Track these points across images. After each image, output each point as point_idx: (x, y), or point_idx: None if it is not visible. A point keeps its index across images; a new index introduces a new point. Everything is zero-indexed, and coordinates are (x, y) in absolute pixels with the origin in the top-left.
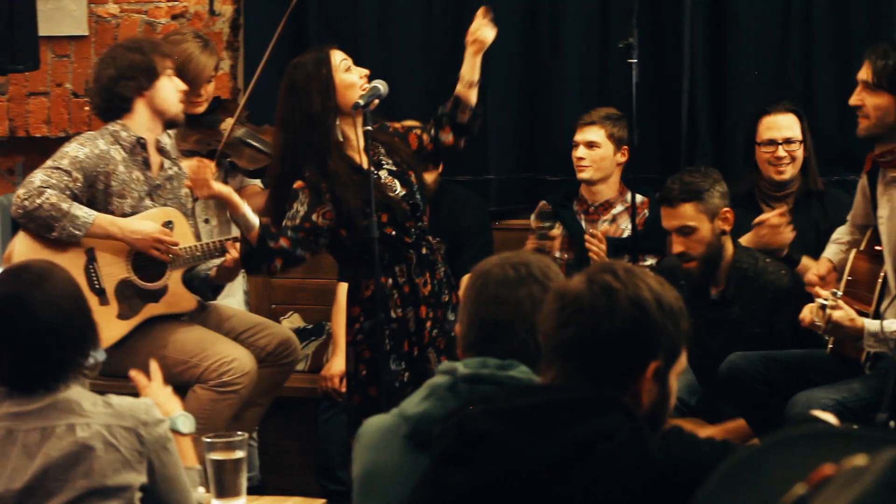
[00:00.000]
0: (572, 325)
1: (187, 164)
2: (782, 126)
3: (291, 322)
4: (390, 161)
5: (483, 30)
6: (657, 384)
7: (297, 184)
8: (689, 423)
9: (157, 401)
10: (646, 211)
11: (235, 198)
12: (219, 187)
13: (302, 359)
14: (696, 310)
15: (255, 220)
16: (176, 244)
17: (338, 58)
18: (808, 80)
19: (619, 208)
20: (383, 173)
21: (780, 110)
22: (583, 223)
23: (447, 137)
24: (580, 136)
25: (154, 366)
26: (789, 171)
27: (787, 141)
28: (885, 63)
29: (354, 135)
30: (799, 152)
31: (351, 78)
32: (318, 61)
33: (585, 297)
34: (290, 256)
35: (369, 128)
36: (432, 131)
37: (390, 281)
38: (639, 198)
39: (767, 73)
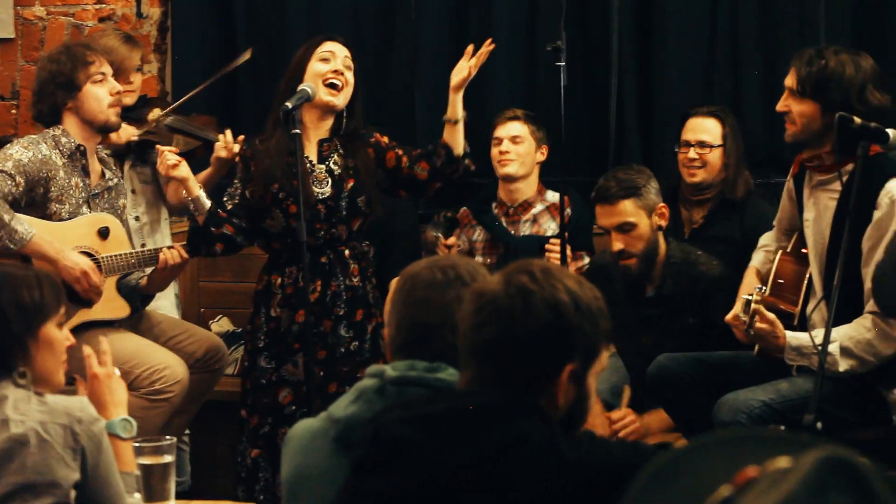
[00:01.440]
0: (488, 326)
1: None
2: (699, 129)
3: (220, 326)
4: (340, 162)
5: (458, 67)
6: (574, 385)
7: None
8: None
9: (106, 401)
10: (569, 210)
11: (192, 183)
12: (184, 172)
13: (231, 363)
14: (632, 308)
15: (206, 203)
16: (99, 292)
17: (325, 48)
18: (735, 83)
19: (539, 207)
20: (321, 167)
21: (703, 113)
22: (504, 225)
23: (420, 172)
24: (503, 131)
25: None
26: (700, 175)
27: (701, 144)
28: (809, 70)
29: (315, 126)
30: (712, 156)
31: (318, 68)
32: (309, 45)
33: (502, 299)
34: (231, 243)
35: (297, 131)
36: (412, 160)
37: (279, 280)
38: (557, 196)
39: (695, 76)
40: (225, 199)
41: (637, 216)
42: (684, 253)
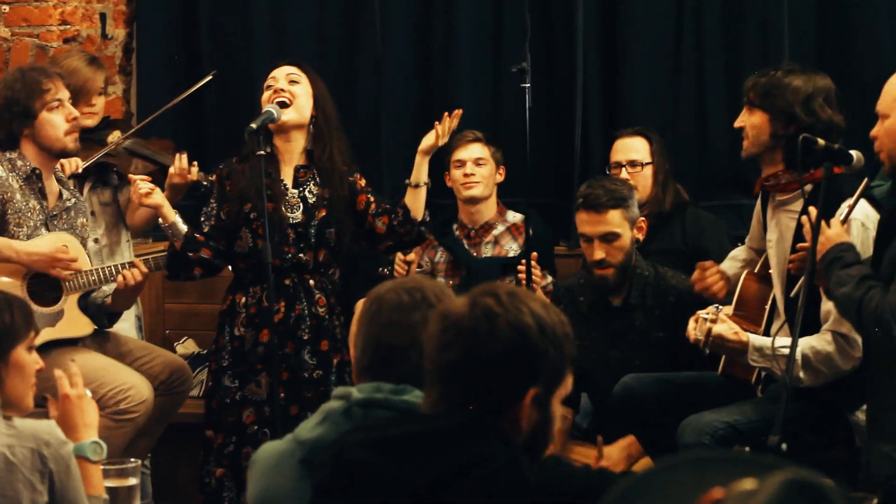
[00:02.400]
0: (453, 348)
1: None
2: (628, 149)
3: (186, 348)
4: (315, 191)
5: (429, 134)
6: (537, 409)
7: (213, 176)
8: (581, 446)
9: (77, 423)
10: (530, 229)
11: (167, 209)
12: (157, 199)
13: (196, 385)
14: (599, 321)
15: (183, 229)
16: (75, 260)
17: (270, 77)
18: (700, 105)
19: (500, 229)
20: (294, 192)
21: (629, 133)
22: (465, 247)
23: (380, 226)
24: (466, 154)
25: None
26: (635, 194)
27: (632, 163)
28: (757, 80)
29: (287, 150)
30: (644, 174)
31: (265, 97)
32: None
33: (467, 321)
34: (209, 266)
35: (262, 152)
36: (377, 211)
37: (243, 299)
38: (518, 216)
39: (660, 99)
40: (202, 219)
41: (622, 227)
42: (654, 267)
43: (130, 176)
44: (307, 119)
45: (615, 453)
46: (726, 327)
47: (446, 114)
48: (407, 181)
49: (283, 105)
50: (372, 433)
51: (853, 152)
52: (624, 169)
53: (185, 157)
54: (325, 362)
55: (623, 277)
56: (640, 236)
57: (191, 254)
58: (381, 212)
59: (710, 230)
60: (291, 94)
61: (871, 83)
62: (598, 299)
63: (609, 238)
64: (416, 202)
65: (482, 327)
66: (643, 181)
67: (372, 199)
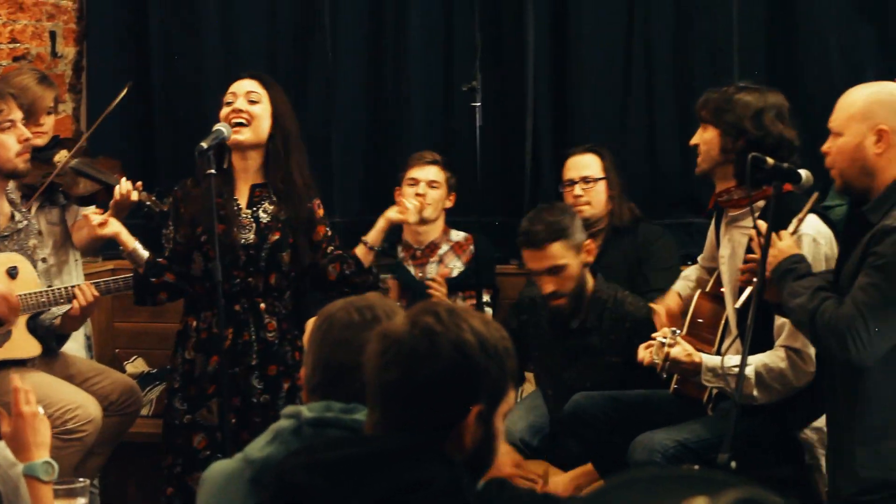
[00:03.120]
0: (393, 368)
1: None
2: (580, 165)
3: (136, 366)
4: (270, 211)
5: (402, 209)
6: (481, 427)
7: (170, 198)
8: (533, 464)
9: (29, 442)
10: (471, 247)
11: (125, 236)
12: (114, 228)
13: (146, 404)
14: (555, 340)
15: (144, 255)
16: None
17: (230, 90)
18: (650, 123)
19: (444, 248)
20: (248, 213)
21: (581, 151)
22: (411, 269)
23: (331, 272)
24: (421, 174)
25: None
26: (588, 210)
27: (584, 179)
28: (709, 97)
29: (243, 168)
30: (597, 190)
31: (223, 112)
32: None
33: (406, 340)
34: (173, 290)
35: (212, 171)
36: (331, 257)
37: (195, 323)
38: (461, 235)
39: (610, 118)
40: (163, 242)
41: (566, 257)
42: (612, 290)
43: (82, 211)
44: (264, 138)
45: (563, 481)
46: (680, 349)
47: (421, 202)
48: (364, 238)
49: (239, 124)
50: (315, 455)
51: (802, 171)
52: (577, 185)
53: (128, 183)
54: (273, 387)
55: (578, 302)
56: (590, 259)
57: (154, 279)
58: (334, 258)
59: (659, 243)
60: (250, 114)
61: (820, 103)
62: (556, 320)
63: (555, 271)
64: (366, 259)
65: (422, 347)
66: (597, 197)
67: (329, 234)
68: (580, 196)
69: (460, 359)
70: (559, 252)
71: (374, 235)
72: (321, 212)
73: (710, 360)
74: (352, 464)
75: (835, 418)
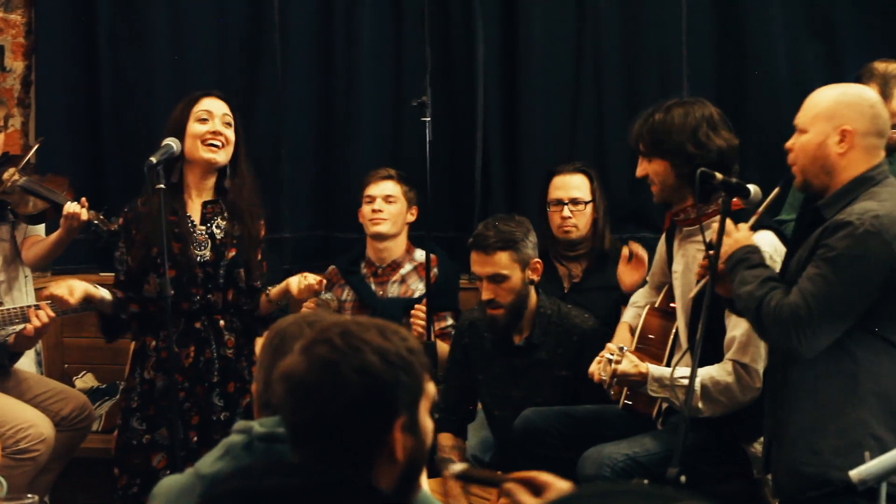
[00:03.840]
0: (304, 409)
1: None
2: (570, 186)
3: (85, 382)
4: (223, 226)
5: (310, 282)
6: (410, 434)
7: (121, 220)
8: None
9: None
10: (435, 269)
11: (93, 291)
12: (81, 291)
13: (96, 419)
14: (500, 359)
15: (108, 297)
16: None
17: (202, 106)
18: (599, 139)
19: (407, 268)
20: (202, 229)
21: (570, 170)
22: (372, 286)
23: (251, 303)
24: (377, 190)
25: None
26: (575, 232)
27: (574, 201)
28: (641, 131)
29: (197, 185)
30: (586, 212)
31: (196, 129)
32: (186, 103)
33: (308, 378)
34: (141, 317)
35: (162, 186)
36: (258, 284)
37: (153, 342)
38: (425, 255)
39: (560, 133)
40: (116, 266)
41: (511, 269)
42: (557, 305)
43: (42, 293)
44: (229, 160)
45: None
46: (628, 363)
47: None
48: (268, 290)
49: (213, 146)
50: (245, 482)
51: (751, 186)
52: (566, 207)
53: (74, 204)
54: (232, 403)
55: (515, 318)
56: (535, 277)
57: (122, 316)
58: (257, 290)
59: None
60: (226, 138)
61: (768, 117)
62: (501, 337)
63: (497, 279)
64: (264, 308)
65: (326, 381)
66: (584, 219)
67: (259, 259)
68: (568, 218)
69: (368, 382)
70: (504, 261)
71: (276, 292)
72: (263, 232)
73: (656, 370)
74: (280, 496)
75: (774, 416)
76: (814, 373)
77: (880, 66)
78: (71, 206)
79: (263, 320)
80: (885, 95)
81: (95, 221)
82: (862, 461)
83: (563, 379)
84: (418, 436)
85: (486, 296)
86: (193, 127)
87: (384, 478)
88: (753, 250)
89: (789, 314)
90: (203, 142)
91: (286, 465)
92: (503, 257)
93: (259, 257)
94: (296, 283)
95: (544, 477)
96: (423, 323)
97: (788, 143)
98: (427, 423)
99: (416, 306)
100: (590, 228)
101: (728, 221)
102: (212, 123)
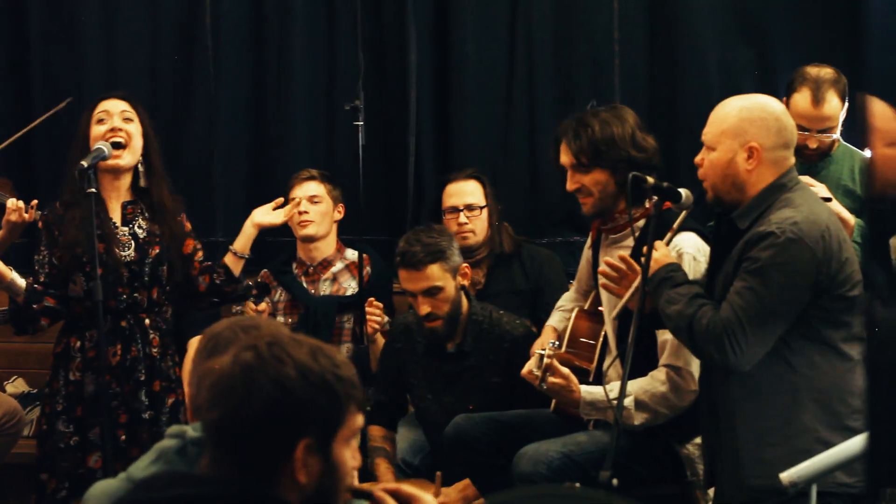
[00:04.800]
0: (216, 407)
1: None
2: (464, 192)
3: (16, 387)
4: (145, 226)
5: (266, 210)
6: (318, 459)
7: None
8: (414, 483)
9: None
10: (368, 267)
11: (4, 270)
12: None
13: (27, 424)
14: (433, 365)
15: (21, 283)
16: None
17: (100, 109)
18: (531, 143)
19: (338, 266)
20: (125, 230)
21: (462, 177)
22: (304, 284)
23: (201, 283)
24: (301, 192)
25: None
26: (472, 238)
27: (469, 207)
28: (580, 143)
29: (114, 188)
30: (482, 217)
31: (97, 131)
32: (88, 109)
33: (226, 379)
34: (54, 314)
35: (93, 190)
36: (202, 268)
37: (78, 343)
38: (356, 254)
39: (492, 137)
40: (36, 268)
41: (443, 279)
42: (488, 311)
43: None
44: (139, 158)
45: (453, 493)
46: (561, 381)
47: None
48: (231, 247)
49: (118, 146)
50: (151, 493)
51: (682, 190)
52: (462, 213)
53: (20, 201)
54: (157, 402)
55: (453, 326)
56: (466, 282)
57: (35, 305)
58: (204, 269)
59: (548, 266)
60: (127, 133)
61: (700, 121)
62: (433, 344)
63: (432, 292)
64: (235, 267)
65: (240, 385)
66: (481, 225)
67: (199, 247)
68: (465, 224)
69: (279, 395)
70: (436, 273)
71: (241, 242)
72: (188, 225)
73: (588, 394)
74: None
75: (716, 427)
76: (753, 385)
77: (812, 70)
78: (13, 204)
79: (238, 290)
80: (818, 100)
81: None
82: None
83: (495, 385)
84: (330, 464)
85: (424, 310)
86: (94, 130)
87: (291, 496)
88: (675, 268)
89: (722, 329)
90: (107, 141)
91: (190, 476)
92: (435, 270)
93: (193, 245)
94: (251, 220)
95: (410, 490)
96: (378, 318)
97: (697, 159)
98: (345, 456)
99: (371, 300)
100: (487, 233)
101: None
102: (110, 121)
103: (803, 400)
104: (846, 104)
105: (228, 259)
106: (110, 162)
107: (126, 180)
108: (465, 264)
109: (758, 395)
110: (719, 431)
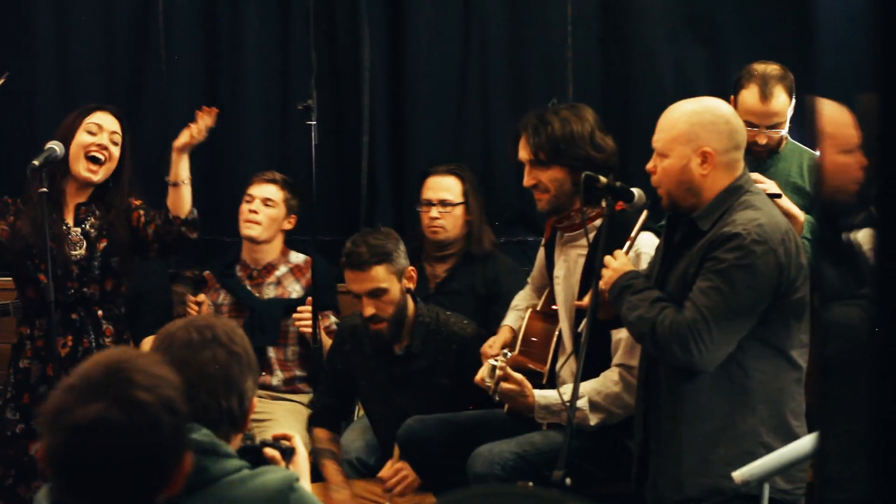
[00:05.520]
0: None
1: None
2: (441, 187)
3: None
4: (95, 224)
5: (185, 132)
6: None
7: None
8: (368, 484)
9: None
10: (309, 271)
11: None
12: None
13: None
14: (382, 368)
15: None
16: None
17: (93, 119)
18: (485, 142)
19: (282, 269)
20: (77, 231)
21: (443, 172)
22: (248, 288)
23: (149, 232)
24: (257, 191)
25: None
26: (443, 233)
27: (442, 202)
28: (539, 140)
29: (73, 193)
30: (454, 214)
31: (83, 139)
32: (80, 112)
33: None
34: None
35: (45, 189)
36: (147, 220)
37: (28, 330)
38: (301, 257)
39: (445, 136)
40: None
41: (389, 281)
42: (434, 313)
43: None
44: (109, 174)
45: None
46: (514, 386)
47: (203, 110)
48: (166, 178)
49: (95, 161)
50: None
51: (635, 190)
52: (434, 208)
53: None
54: None
55: (398, 329)
56: (411, 285)
57: None
58: (150, 219)
59: (509, 277)
60: (110, 154)
61: (653, 120)
62: (380, 346)
63: (377, 293)
64: (179, 200)
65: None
66: (453, 221)
67: (142, 211)
68: (436, 219)
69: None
70: (382, 275)
71: (172, 171)
72: (138, 202)
73: (543, 399)
74: None
75: (658, 427)
76: (705, 385)
77: (759, 67)
78: None
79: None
80: (766, 95)
81: None
82: None
83: (445, 386)
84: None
85: (368, 312)
86: (81, 136)
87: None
88: (635, 276)
89: (687, 329)
90: (86, 153)
91: None
92: (380, 271)
93: (137, 215)
94: (180, 139)
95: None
96: (308, 323)
97: (649, 166)
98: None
99: (300, 308)
100: (462, 231)
101: (607, 258)
102: (100, 136)
103: (752, 403)
104: (794, 100)
105: (169, 196)
106: (84, 174)
107: (90, 189)
108: (412, 268)
109: (706, 395)
110: (660, 429)
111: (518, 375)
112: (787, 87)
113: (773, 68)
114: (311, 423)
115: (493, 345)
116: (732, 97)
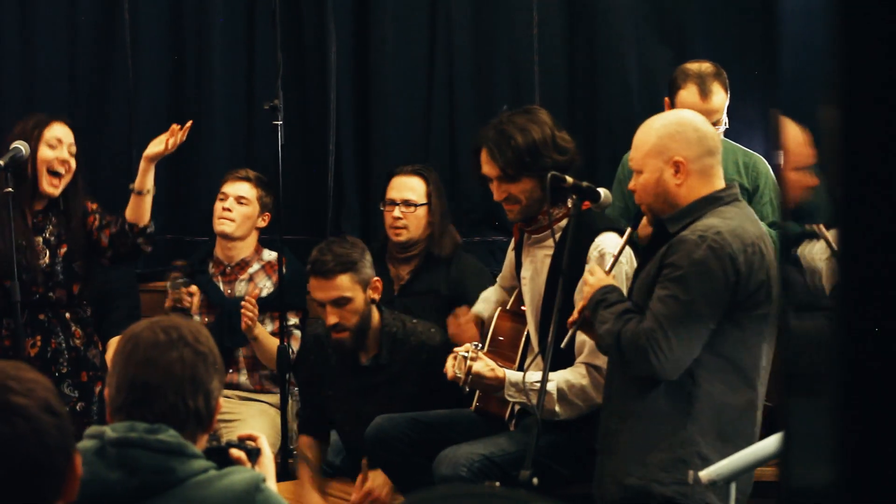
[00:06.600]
0: None
1: None
2: (404, 187)
3: None
4: (53, 231)
5: (158, 139)
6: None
7: None
8: (337, 483)
9: None
10: (284, 268)
11: None
12: None
13: None
14: (347, 377)
15: None
16: None
17: (52, 133)
18: (451, 142)
19: (255, 267)
20: (38, 239)
21: (408, 172)
22: (220, 285)
23: (104, 239)
24: (231, 189)
25: None
26: (405, 234)
27: (406, 202)
28: (505, 156)
29: (27, 205)
30: (417, 214)
31: (45, 154)
32: (36, 123)
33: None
34: None
35: (10, 189)
36: (101, 225)
37: None
38: (273, 254)
39: (412, 137)
40: None
41: (353, 291)
42: (401, 321)
43: None
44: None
45: (379, 478)
46: (483, 364)
47: (176, 126)
48: (130, 186)
49: (56, 175)
50: None
51: (601, 190)
52: (398, 207)
53: None
54: (87, 393)
55: (360, 339)
56: (376, 296)
57: None
58: (105, 224)
59: (473, 278)
60: (70, 167)
61: (621, 124)
62: (345, 356)
63: (340, 302)
64: (140, 209)
65: None
66: (416, 221)
67: (98, 216)
68: (399, 219)
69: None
70: (346, 284)
71: (139, 180)
72: (94, 205)
73: (512, 375)
74: None
75: (607, 427)
76: (652, 389)
77: (693, 66)
78: None
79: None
80: (705, 93)
81: None
82: (685, 478)
83: (413, 395)
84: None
85: (331, 320)
86: (44, 151)
87: None
88: (610, 290)
89: (645, 340)
90: (49, 169)
91: None
92: (344, 280)
93: (92, 218)
94: (150, 149)
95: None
96: (251, 315)
97: (631, 186)
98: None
99: (247, 298)
100: (424, 231)
101: (586, 270)
102: (60, 150)
103: (697, 413)
104: (729, 95)
105: (130, 204)
106: (48, 189)
107: (46, 199)
108: (377, 278)
109: (653, 399)
110: (608, 428)
111: (488, 360)
112: (723, 84)
113: (706, 66)
114: (299, 430)
115: (451, 317)
116: (667, 100)
